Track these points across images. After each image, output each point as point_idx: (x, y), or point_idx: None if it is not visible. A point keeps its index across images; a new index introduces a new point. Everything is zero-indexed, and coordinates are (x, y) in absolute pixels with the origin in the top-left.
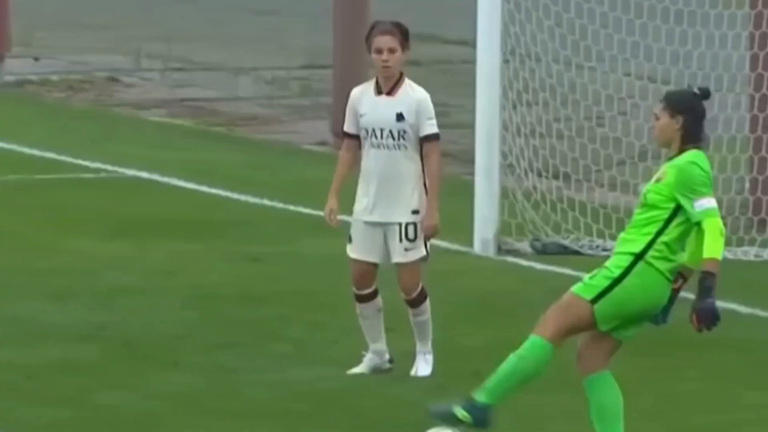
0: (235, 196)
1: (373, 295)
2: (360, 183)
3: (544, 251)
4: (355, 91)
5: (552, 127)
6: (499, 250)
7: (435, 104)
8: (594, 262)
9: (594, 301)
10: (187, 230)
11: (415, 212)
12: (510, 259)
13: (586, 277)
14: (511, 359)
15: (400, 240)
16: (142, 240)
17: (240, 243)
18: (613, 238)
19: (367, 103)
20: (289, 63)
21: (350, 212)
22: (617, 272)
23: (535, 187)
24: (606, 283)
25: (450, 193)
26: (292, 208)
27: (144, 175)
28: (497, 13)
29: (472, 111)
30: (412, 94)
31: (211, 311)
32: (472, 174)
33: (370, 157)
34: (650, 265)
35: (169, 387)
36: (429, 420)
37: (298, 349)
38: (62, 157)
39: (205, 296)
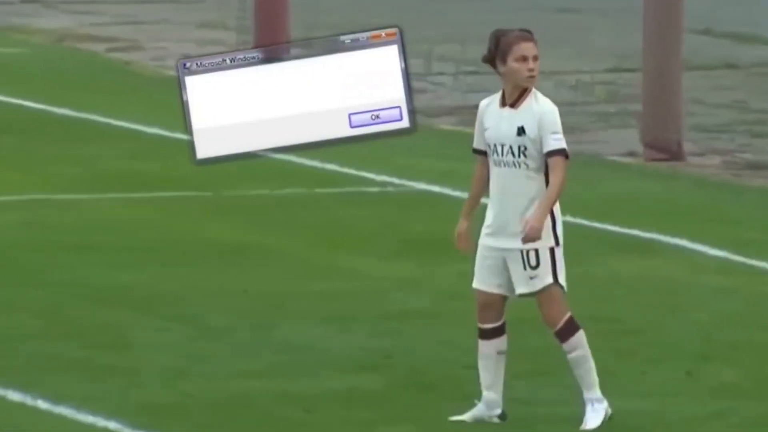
0: None
1: (496, 333)
2: (488, 204)
3: None
4: (483, 103)
5: None
6: None
7: (753, 111)
8: None
9: None
10: None
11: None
12: None
13: None
14: None
15: (524, 268)
16: (431, 259)
17: None
18: None
19: (491, 116)
20: (593, 66)
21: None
22: None
23: None
24: None
25: None
26: (597, 225)
27: (434, 188)
28: None
29: None
30: (536, 107)
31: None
32: None
33: (493, 176)
34: None
35: (460, 421)
36: None
37: (602, 380)
38: (344, 170)
39: None
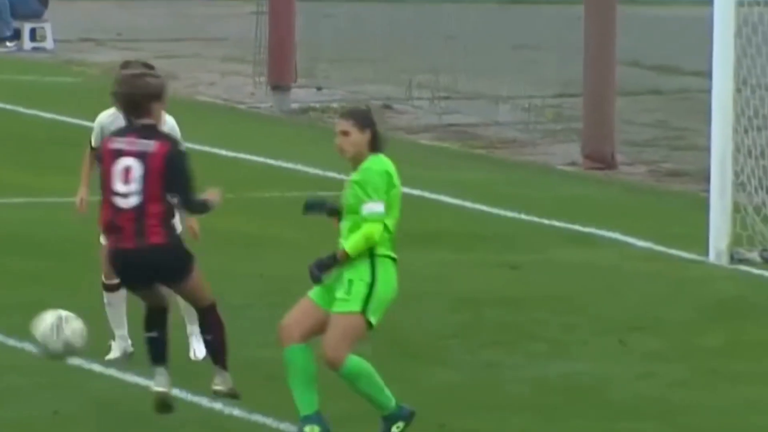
0: (495, 210)
1: (120, 285)
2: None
3: None
4: (105, 119)
5: None
6: (732, 259)
7: (674, 129)
8: None
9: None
10: (453, 241)
11: None
12: (742, 267)
13: (340, 295)
14: None
15: None
16: (413, 250)
17: (501, 252)
18: None
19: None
20: (543, 92)
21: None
22: (367, 276)
23: (764, 203)
24: (365, 289)
25: (687, 208)
26: (546, 221)
27: (415, 192)
28: (730, 48)
29: (708, 135)
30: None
31: (475, 314)
32: (707, 191)
33: None
34: (382, 256)
35: (436, 381)
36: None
37: (553, 348)
38: (341, 176)
39: (470, 300)
